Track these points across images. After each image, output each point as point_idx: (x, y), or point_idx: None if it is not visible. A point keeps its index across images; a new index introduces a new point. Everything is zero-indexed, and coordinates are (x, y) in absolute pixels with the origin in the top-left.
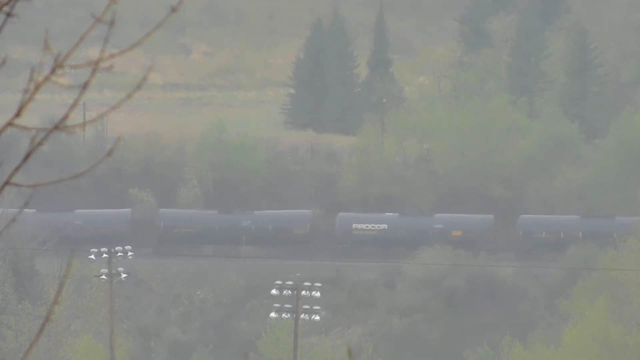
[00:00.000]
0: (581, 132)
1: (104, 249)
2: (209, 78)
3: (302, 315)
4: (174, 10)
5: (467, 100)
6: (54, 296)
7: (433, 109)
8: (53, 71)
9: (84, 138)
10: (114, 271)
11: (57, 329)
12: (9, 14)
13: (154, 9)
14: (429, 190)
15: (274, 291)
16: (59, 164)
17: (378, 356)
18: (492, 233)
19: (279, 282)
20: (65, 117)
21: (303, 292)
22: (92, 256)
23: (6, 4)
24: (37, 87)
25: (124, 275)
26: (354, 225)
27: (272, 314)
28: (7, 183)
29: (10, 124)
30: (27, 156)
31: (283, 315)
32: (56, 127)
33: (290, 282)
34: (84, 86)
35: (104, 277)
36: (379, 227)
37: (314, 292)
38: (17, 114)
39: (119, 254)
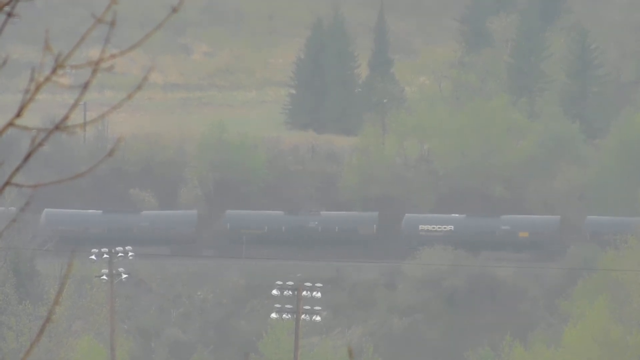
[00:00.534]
0: (581, 132)
1: (104, 249)
2: (209, 78)
3: (302, 316)
4: (174, 10)
5: (468, 100)
6: (55, 296)
7: (433, 109)
8: (54, 71)
9: (84, 138)
10: (114, 271)
11: (58, 330)
12: (9, 14)
13: (155, 10)
14: (429, 190)
15: (274, 291)
16: (60, 164)
17: (378, 356)
18: (558, 234)
19: (279, 282)
20: (66, 117)
21: (304, 293)
22: (93, 256)
23: (7, 4)
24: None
25: (124, 276)
26: (420, 227)
27: (273, 315)
28: (7, 183)
29: (10, 124)
30: (28, 156)
31: (284, 315)
32: (57, 128)
33: (290, 283)
34: (85, 86)
35: (104, 277)
36: (445, 228)
37: (314, 293)
38: (18, 114)
39: (120, 254)
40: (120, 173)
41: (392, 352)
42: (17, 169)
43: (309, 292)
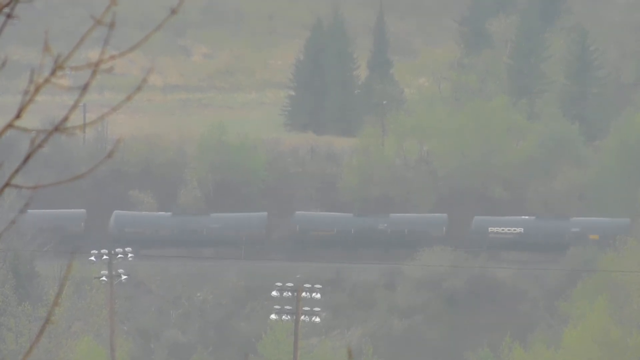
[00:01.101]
0: (581, 133)
1: (104, 251)
2: (209, 79)
3: (302, 317)
4: (174, 11)
5: (467, 101)
6: (54, 298)
7: (433, 110)
8: (53, 73)
9: (84, 139)
10: (114, 273)
11: (57, 331)
12: (9, 15)
13: (154, 11)
14: (429, 191)
15: (274, 293)
16: (59, 166)
17: (378, 357)
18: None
19: (279, 283)
20: (66, 118)
21: (303, 294)
22: (92, 258)
23: (6, 5)
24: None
25: (124, 277)
26: (490, 229)
27: (273, 316)
28: (7, 184)
29: (10, 125)
30: (27, 158)
31: (283, 316)
32: (56, 129)
33: (290, 284)
34: (84, 88)
35: (104, 278)
36: (515, 230)
37: (314, 294)
38: (17, 116)
39: (119, 255)
40: (119, 174)
41: (391, 353)
42: (17, 170)
43: (308, 293)
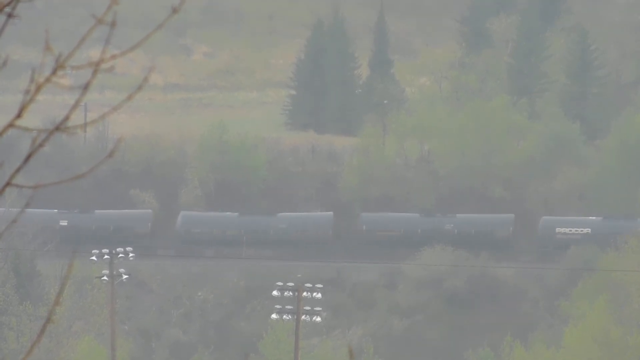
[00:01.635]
0: (582, 132)
1: (105, 250)
2: (210, 79)
3: (303, 317)
4: (174, 11)
5: (468, 101)
6: (55, 297)
7: (434, 110)
8: (54, 72)
9: (84, 139)
10: (115, 272)
11: (58, 330)
12: (10, 15)
13: (155, 10)
14: (429, 190)
15: (274, 292)
16: (60, 165)
17: (379, 357)
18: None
19: (279, 283)
20: (66, 118)
21: (304, 293)
22: (94, 257)
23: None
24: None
25: (125, 276)
26: (557, 229)
27: (273, 315)
28: (8, 184)
29: (11, 125)
30: (28, 157)
31: (284, 316)
32: (57, 128)
33: (291, 284)
34: (85, 87)
35: (105, 278)
36: (582, 230)
37: (315, 293)
38: (18, 115)
39: (120, 255)
40: (120, 174)
41: (392, 352)
42: (18, 170)
43: (309, 293)
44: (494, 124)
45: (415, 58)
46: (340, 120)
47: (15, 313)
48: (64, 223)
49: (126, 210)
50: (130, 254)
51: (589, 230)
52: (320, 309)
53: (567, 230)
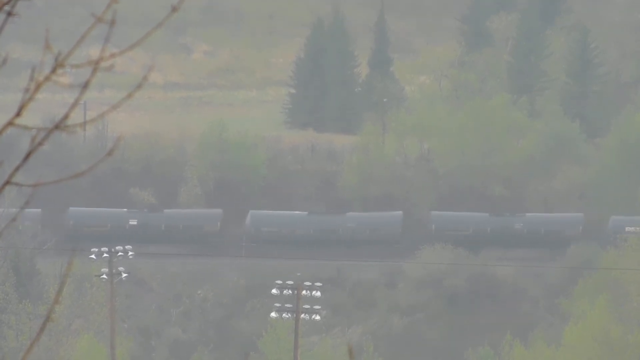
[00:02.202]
0: (582, 131)
1: (104, 249)
2: (210, 77)
3: (302, 315)
4: (174, 9)
5: (468, 99)
6: (55, 295)
7: (433, 109)
8: (54, 71)
9: (84, 137)
10: (114, 270)
11: (58, 328)
12: (9, 13)
13: (155, 9)
14: (429, 189)
15: (274, 291)
16: (60, 164)
17: (379, 356)
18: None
19: (279, 281)
20: (66, 116)
21: (303, 292)
22: (93, 255)
23: (7, 3)
24: (38, 87)
25: (124, 275)
26: (627, 228)
27: (273, 314)
28: (7, 182)
29: (10, 123)
30: (28, 156)
31: (283, 314)
32: (57, 127)
33: (290, 282)
34: (85, 86)
35: (104, 276)
36: None
37: (314, 292)
38: (18, 114)
39: (120, 253)
40: (120, 172)
41: (392, 351)
42: (17, 168)
43: (308, 291)
44: (494, 122)
45: (415, 57)
46: (340, 118)
47: (15, 311)
48: (133, 222)
49: (196, 210)
50: (130, 253)
51: None
52: (320, 307)
53: (637, 229)
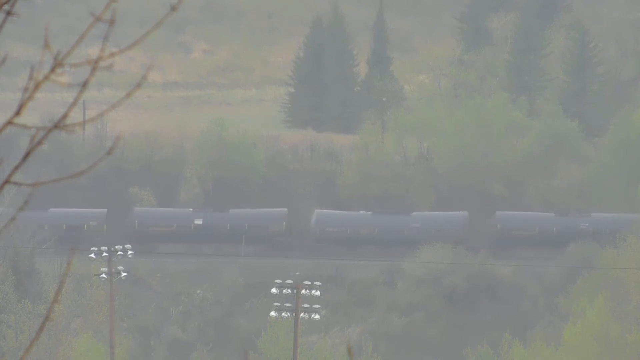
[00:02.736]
0: (581, 130)
1: (104, 248)
2: (209, 76)
3: (301, 314)
4: (173, 8)
5: (467, 98)
6: (54, 295)
7: (433, 107)
8: (53, 70)
9: (83, 137)
10: (113, 270)
11: (57, 328)
12: (9, 12)
13: (154, 8)
14: (428, 188)
15: (273, 290)
16: (59, 163)
17: (378, 355)
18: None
19: (278, 280)
20: (65, 115)
21: (303, 291)
22: (92, 255)
23: (6, 2)
24: (37, 86)
25: (123, 274)
26: None
27: (272, 313)
28: (7, 182)
29: (10, 122)
30: (27, 155)
31: (283, 314)
32: (56, 126)
33: (290, 281)
34: (84, 85)
35: (103, 275)
36: None
37: (313, 291)
38: (17, 113)
39: (119, 252)
40: (119, 171)
41: (391, 350)
42: (17, 168)
43: (308, 291)
44: (493, 121)
45: (415, 55)
46: (339, 117)
47: (14, 311)
48: (198, 222)
49: (261, 209)
50: (129, 252)
51: None
52: (319, 306)
53: None
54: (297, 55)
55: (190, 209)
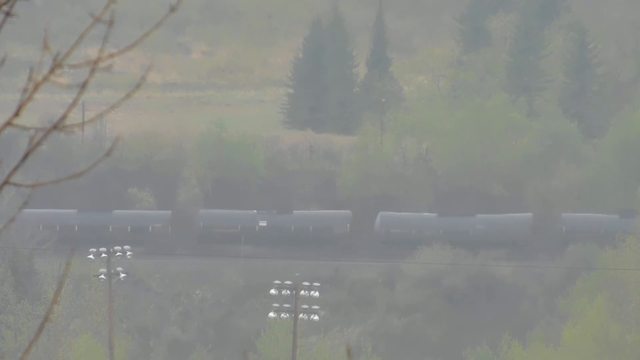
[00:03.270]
0: (580, 130)
1: (103, 249)
2: (208, 77)
3: (301, 315)
4: (173, 9)
5: (466, 99)
6: (53, 296)
7: (432, 108)
8: (52, 71)
9: (83, 138)
10: (112, 271)
11: (57, 329)
12: (8, 13)
13: (153, 8)
14: (428, 189)
15: (273, 291)
16: (58, 164)
17: (377, 355)
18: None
19: (277, 281)
20: (64, 116)
21: (302, 292)
22: (91, 256)
23: (5, 3)
24: (36, 87)
25: (122, 275)
26: None
27: (271, 314)
28: (6, 183)
29: (9, 123)
30: (26, 156)
31: (282, 314)
32: (55, 127)
33: (289, 282)
34: (83, 86)
35: (103, 276)
36: None
37: (312, 292)
38: (16, 114)
39: (118, 253)
40: (118, 172)
41: (391, 351)
42: (16, 169)
43: (307, 291)
44: (493, 122)
45: (414, 56)
46: (338, 118)
47: (13, 312)
48: (263, 224)
49: (325, 211)
50: (128, 253)
51: None
52: (318, 307)
53: None
54: (296, 56)
55: (255, 211)
